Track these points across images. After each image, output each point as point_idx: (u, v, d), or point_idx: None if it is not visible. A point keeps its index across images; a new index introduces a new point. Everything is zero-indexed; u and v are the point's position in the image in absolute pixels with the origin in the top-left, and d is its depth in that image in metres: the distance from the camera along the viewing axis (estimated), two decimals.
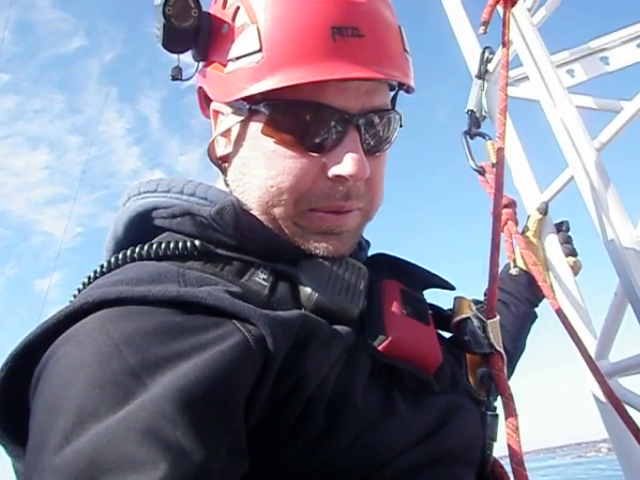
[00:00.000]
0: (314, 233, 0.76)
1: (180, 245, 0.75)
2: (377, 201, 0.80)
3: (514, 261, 1.45)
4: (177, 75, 0.84)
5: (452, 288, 0.94)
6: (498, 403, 0.87)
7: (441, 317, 0.92)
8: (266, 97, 0.72)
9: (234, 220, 0.74)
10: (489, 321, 0.92)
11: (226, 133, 0.81)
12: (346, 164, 0.71)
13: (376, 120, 0.75)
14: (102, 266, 0.77)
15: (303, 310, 0.73)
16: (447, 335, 0.92)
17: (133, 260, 0.75)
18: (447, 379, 0.88)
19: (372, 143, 0.76)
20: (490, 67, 1.67)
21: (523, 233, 1.51)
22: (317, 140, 0.72)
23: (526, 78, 1.64)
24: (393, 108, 0.80)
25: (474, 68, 1.70)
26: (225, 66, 0.76)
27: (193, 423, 0.51)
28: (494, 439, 0.82)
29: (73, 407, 0.52)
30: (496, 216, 1.04)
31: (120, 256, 0.76)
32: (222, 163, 0.84)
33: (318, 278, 0.75)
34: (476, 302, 0.97)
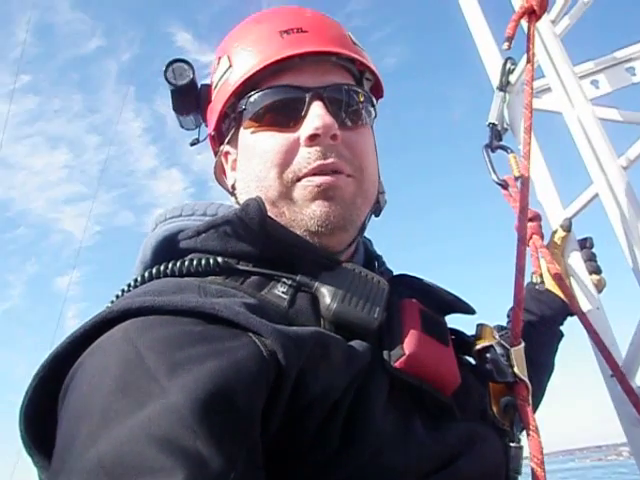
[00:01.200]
0: (309, 200, 0.80)
1: (203, 262, 0.78)
2: (368, 171, 0.85)
3: (540, 276, 1.42)
4: (195, 142, 1.02)
5: (473, 312, 0.93)
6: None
7: (464, 343, 0.91)
8: (241, 98, 0.85)
9: (258, 212, 0.76)
10: (513, 349, 0.90)
11: (234, 164, 0.92)
12: (312, 121, 0.80)
13: (339, 93, 0.84)
14: (129, 284, 0.81)
15: (322, 322, 0.75)
16: (472, 361, 0.91)
17: (158, 277, 0.79)
18: (469, 406, 0.87)
19: (343, 115, 0.84)
20: (512, 78, 1.64)
21: (547, 249, 1.48)
22: (286, 117, 0.82)
23: (548, 89, 1.61)
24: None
25: (495, 79, 1.67)
26: (211, 98, 0.92)
27: (212, 432, 0.52)
28: (518, 472, 0.81)
29: (97, 412, 0.54)
30: (521, 239, 1.02)
31: (146, 274, 0.80)
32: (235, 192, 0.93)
33: (337, 290, 0.76)
34: (500, 328, 0.95)
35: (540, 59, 1.59)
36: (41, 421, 0.63)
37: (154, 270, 0.80)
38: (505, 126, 1.63)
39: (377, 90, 0.96)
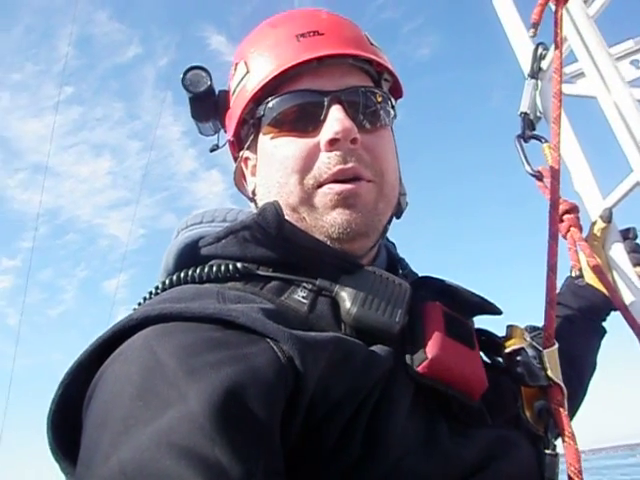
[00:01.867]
0: (330, 208, 0.79)
1: (222, 268, 0.79)
2: (389, 175, 0.85)
3: (579, 270, 1.36)
4: (214, 148, 1.02)
5: (499, 313, 0.90)
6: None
7: (495, 345, 0.88)
8: (260, 104, 0.85)
9: (275, 217, 0.76)
10: (546, 351, 0.86)
11: (253, 170, 0.92)
12: (331, 126, 0.79)
13: (357, 95, 0.83)
14: (151, 292, 0.83)
15: (343, 326, 0.74)
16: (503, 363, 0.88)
17: (179, 284, 0.80)
18: (501, 411, 0.84)
19: (362, 117, 0.83)
20: (544, 64, 1.57)
21: (586, 242, 1.41)
22: (306, 121, 0.81)
23: (582, 74, 1.53)
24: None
25: (526, 67, 1.60)
26: (230, 104, 0.91)
27: (230, 440, 0.52)
28: None
29: (118, 419, 0.55)
30: (552, 235, 0.98)
31: (167, 281, 0.81)
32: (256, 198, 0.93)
33: (357, 294, 0.75)
34: (533, 328, 0.91)
35: (572, 43, 1.51)
36: (68, 428, 0.64)
37: (174, 277, 0.81)
38: (538, 115, 1.56)
39: (396, 90, 0.95)
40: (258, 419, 0.55)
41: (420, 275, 0.93)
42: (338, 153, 0.79)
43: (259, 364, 0.59)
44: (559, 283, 1.35)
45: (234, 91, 0.90)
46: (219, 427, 0.52)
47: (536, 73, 1.57)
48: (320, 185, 0.80)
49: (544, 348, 0.87)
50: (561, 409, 0.82)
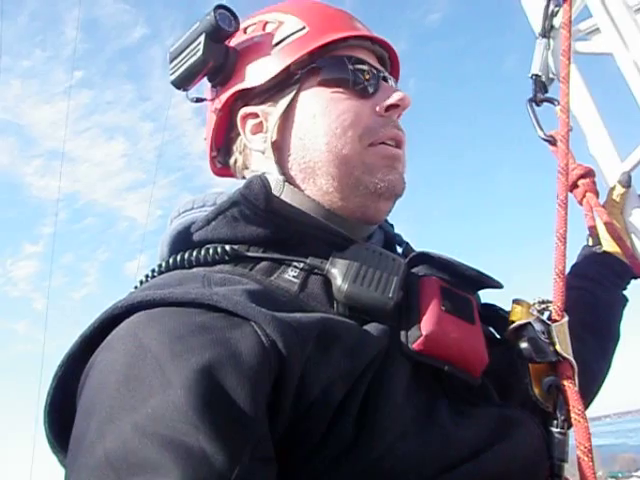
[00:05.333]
0: (381, 166, 0.84)
1: (211, 251, 0.79)
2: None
3: (597, 237, 1.29)
4: (200, 99, 0.97)
5: (499, 286, 0.87)
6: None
7: (502, 319, 0.85)
8: (313, 60, 0.87)
9: (262, 189, 0.75)
10: (554, 324, 0.82)
11: (257, 127, 0.89)
12: (395, 95, 0.87)
13: (393, 80, 0.94)
14: (141, 281, 0.83)
15: (335, 305, 0.73)
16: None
17: (168, 270, 0.80)
18: (509, 388, 0.81)
19: None
20: (556, 22, 1.48)
21: (604, 207, 1.34)
22: (363, 86, 0.86)
23: (598, 30, 1.44)
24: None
25: (537, 25, 1.52)
26: (267, 54, 0.88)
27: (214, 427, 0.52)
28: (564, 460, 0.74)
29: (104, 408, 0.55)
30: (561, 202, 0.92)
31: (156, 268, 0.82)
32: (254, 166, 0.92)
33: (349, 270, 0.74)
34: (543, 301, 0.87)
35: None
36: (64, 421, 0.64)
37: (164, 264, 0.81)
38: (551, 76, 1.48)
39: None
40: (243, 405, 0.55)
41: (417, 251, 0.90)
42: (393, 119, 0.87)
43: (242, 349, 0.59)
44: (574, 253, 1.29)
45: (279, 42, 0.88)
46: (203, 414, 0.52)
47: (548, 31, 1.48)
48: (373, 144, 0.85)
49: (553, 322, 0.83)
50: (570, 385, 0.78)
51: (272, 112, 0.87)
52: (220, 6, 0.88)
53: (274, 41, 0.88)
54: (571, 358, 0.80)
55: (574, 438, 0.74)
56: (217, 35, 0.87)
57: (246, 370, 0.57)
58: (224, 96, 0.90)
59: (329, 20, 0.90)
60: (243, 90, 0.89)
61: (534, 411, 0.78)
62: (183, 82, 0.92)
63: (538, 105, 1.44)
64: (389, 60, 0.97)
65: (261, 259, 0.78)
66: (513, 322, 0.81)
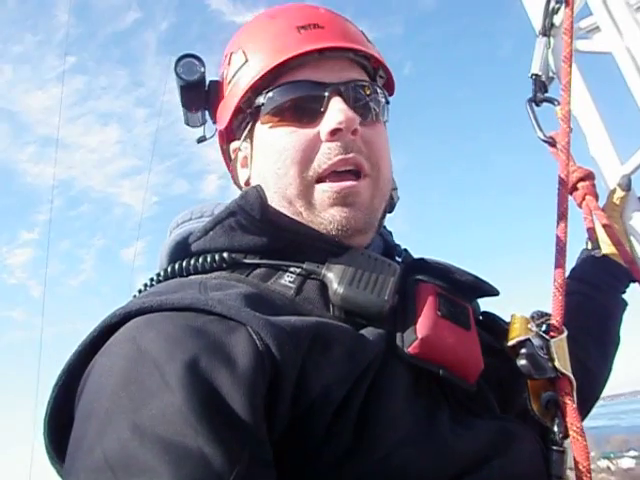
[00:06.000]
0: (328, 206, 0.79)
1: (208, 259, 0.80)
2: (384, 169, 0.84)
3: (596, 241, 1.29)
4: (202, 139, 1.00)
5: (496, 293, 0.87)
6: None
7: (501, 330, 0.85)
8: (259, 93, 0.84)
9: (258, 199, 0.76)
10: (553, 340, 0.82)
11: (243, 161, 0.91)
12: (334, 116, 0.79)
13: (356, 89, 0.83)
14: (140, 290, 0.84)
15: (332, 308, 0.74)
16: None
17: (166, 278, 0.81)
18: (510, 401, 0.81)
19: (360, 111, 0.82)
20: (557, 20, 1.46)
21: (603, 211, 1.33)
22: (306, 112, 0.81)
23: (598, 28, 1.42)
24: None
25: (537, 23, 1.49)
26: (226, 93, 0.89)
27: (213, 429, 0.52)
28: (562, 478, 0.74)
29: (103, 411, 0.56)
30: (561, 214, 0.91)
31: (154, 277, 0.83)
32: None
33: (344, 274, 0.74)
34: (542, 314, 0.87)
35: None
36: (64, 431, 0.64)
37: (162, 273, 0.82)
38: (551, 75, 1.46)
39: (389, 88, 0.95)
40: (240, 408, 0.55)
41: (415, 257, 0.90)
42: (339, 144, 0.79)
43: (237, 353, 0.59)
44: (572, 259, 1.29)
45: (230, 80, 0.89)
46: (202, 417, 0.53)
47: (548, 30, 1.46)
48: (319, 179, 0.80)
49: (552, 337, 0.82)
50: (569, 401, 0.78)
51: (248, 148, 0.89)
52: (181, 57, 0.91)
53: (228, 78, 0.90)
54: (570, 374, 0.80)
55: (572, 457, 0.74)
56: (188, 84, 0.92)
57: (241, 374, 0.57)
58: (217, 132, 0.96)
59: (269, 43, 0.85)
60: (225, 128, 0.91)
61: (533, 424, 0.78)
62: (190, 124, 0.99)
63: (538, 105, 1.43)
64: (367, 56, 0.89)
65: (258, 265, 0.78)
66: (512, 337, 0.80)
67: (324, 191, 0.79)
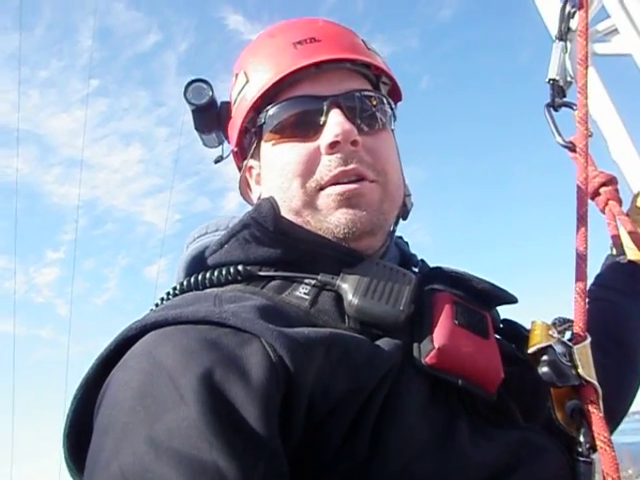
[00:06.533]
0: (333, 209, 0.79)
1: (224, 272, 0.80)
2: (392, 175, 0.84)
3: (621, 247, 1.25)
4: (219, 159, 1.03)
5: (514, 301, 0.85)
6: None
7: (522, 338, 0.83)
8: (260, 112, 0.85)
9: (271, 211, 0.77)
10: (576, 346, 0.80)
11: (257, 178, 0.93)
12: (331, 129, 0.79)
13: (355, 99, 0.83)
14: (156, 303, 0.85)
15: (347, 320, 0.73)
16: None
17: (182, 292, 0.82)
18: (533, 410, 0.79)
19: (360, 120, 0.82)
20: (573, 24, 1.44)
21: (627, 216, 1.30)
22: (306, 127, 0.82)
23: (616, 31, 1.40)
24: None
25: (554, 28, 1.48)
26: (232, 114, 0.92)
27: (228, 442, 0.52)
28: None
29: (119, 425, 0.56)
30: (580, 217, 0.90)
31: (171, 290, 0.84)
32: None
33: (359, 285, 0.74)
34: (564, 321, 0.85)
35: None
36: (83, 443, 0.64)
37: (178, 286, 0.83)
38: (569, 79, 1.44)
39: (395, 93, 0.95)
40: (254, 421, 0.55)
41: (431, 267, 0.89)
42: (339, 155, 0.80)
43: (252, 365, 0.59)
44: (596, 265, 1.26)
45: (235, 101, 0.92)
46: (216, 430, 0.53)
47: (564, 34, 1.44)
48: (322, 188, 0.80)
49: (574, 344, 0.80)
50: (595, 410, 0.75)
51: (259, 166, 0.91)
52: (189, 82, 0.94)
53: (233, 99, 0.93)
54: (595, 382, 0.77)
55: (601, 469, 0.71)
56: (198, 108, 0.95)
57: (256, 386, 0.57)
58: (232, 153, 0.98)
59: (268, 61, 0.86)
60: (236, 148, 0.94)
61: (558, 435, 0.76)
62: (207, 145, 1.03)
63: (556, 110, 1.41)
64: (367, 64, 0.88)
65: (273, 278, 0.78)
66: (533, 344, 0.79)
67: (328, 195, 0.80)
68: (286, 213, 0.81)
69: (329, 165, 0.80)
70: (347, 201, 0.79)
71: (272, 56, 0.87)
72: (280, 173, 0.82)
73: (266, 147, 0.86)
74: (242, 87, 0.89)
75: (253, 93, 0.86)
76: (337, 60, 0.84)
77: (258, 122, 0.86)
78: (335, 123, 0.79)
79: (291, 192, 0.81)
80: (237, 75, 0.93)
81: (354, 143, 0.79)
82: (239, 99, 0.90)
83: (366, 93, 0.85)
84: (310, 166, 0.80)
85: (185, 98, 0.94)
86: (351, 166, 0.79)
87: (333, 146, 0.79)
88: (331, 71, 0.84)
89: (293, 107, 0.83)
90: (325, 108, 0.81)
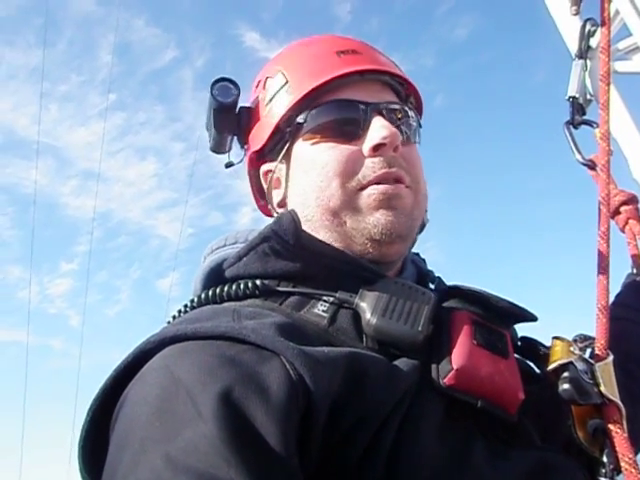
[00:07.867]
0: (373, 209, 0.80)
1: (242, 286, 0.79)
2: (422, 185, 0.87)
3: None
4: (230, 164, 1.04)
5: (534, 319, 0.84)
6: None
7: (542, 356, 0.82)
8: (300, 112, 0.86)
9: (292, 224, 0.76)
10: (598, 364, 0.78)
11: (276, 183, 0.92)
12: (378, 131, 0.81)
13: (395, 110, 0.87)
14: (174, 316, 0.84)
15: (365, 339, 0.72)
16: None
17: (200, 305, 0.81)
18: (551, 431, 0.77)
19: (399, 130, 0.83)
20: (593, 42, 1.45)
21: None
22: (349, 129, 0.83)
23: (638, 49, 1.40)
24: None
25: (573, 46, 1.48)
26: (263, 115, 0.92)
27: (245, 461, 0.51)
28: None
29: (137, 440, 0.55)
30: (602, 234, 0.89)
31: (188, 304, 0.83)
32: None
33: (378, 304, 0.73)
34: (585, 338, 0.83)
35: (625, 14, 1.38)
36: (98, 454, 0.64)
37: (196, 299, 0.82)
38: (588, 97, 1.44)
39: (418, 111, 0.97)
40: (273, 439, 0.54)
41: (449, 285, 0.88)
42: (382, 158, 0.81)
43: (271, 383, 0.59)
44: (617, 283, 1.24)
45: (269, 101, 0.91)
46: (234, 448, 0.52)
47: (584, 52, 1.44)
48: (362, 188, 0.81)
49: (596, 361, 0.79)
50: (618, 430, 0.73)
51: (282, 168, 0.91)
52: (217, 80, 0.94)
53: (266, 100, 0.92)
54: (618, 400, 0.75)
55: None
56: (222, 107, 0.94)
57: (275, 404, 0.56)
58: (247, 157, 0.97)
59: (310, 65, 0.89)
60: (258, 150, 0.93)
61: (580, 455, 0.74)
62: (217, 150, 1.02)
63: (576, 128, 1.40)
64: (401, 81, 0.92)
65: (291, 293, 0.78)
66: (553, 360, 0.77)
67: (369, 194, 0.80)
68: (321, 214, 0.82)
69: (373, 167, 0.81)
70: (387, 201, 0.80)
71: (316, 61, 0.89)
72: (320, 172, 0.82)
73: (303, 146, 0.86)
74: (279, 88, 0.90)
75: (296, 93, 0.86)
76: (380, 71, 0.88)
77: (297, 121, 0.86)
78: (381, 126, 0.81)
79: (330, 191, 0.81)
80: (266, 79, 0.94)
81: (396, 149, 0.82)
82: (274, 100, 0.90)
83: (403, 106, 0.89)
84: (352, 166, 0.81)
85: (211, 94, 0.95)
86: (394, 169, 0.81)
87: (377, 148, 0.81)
88: (372, 81, 0.88)
89: (338, 109, 0.85)
90: (369, 114, 0.83)
